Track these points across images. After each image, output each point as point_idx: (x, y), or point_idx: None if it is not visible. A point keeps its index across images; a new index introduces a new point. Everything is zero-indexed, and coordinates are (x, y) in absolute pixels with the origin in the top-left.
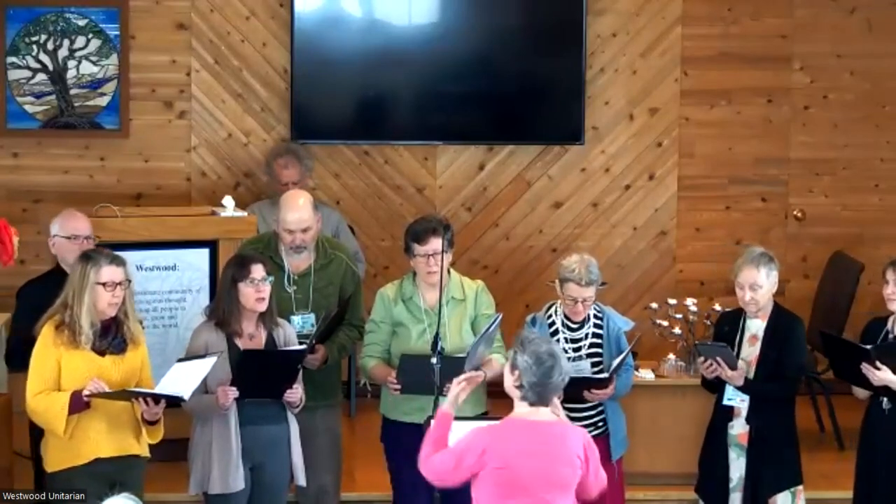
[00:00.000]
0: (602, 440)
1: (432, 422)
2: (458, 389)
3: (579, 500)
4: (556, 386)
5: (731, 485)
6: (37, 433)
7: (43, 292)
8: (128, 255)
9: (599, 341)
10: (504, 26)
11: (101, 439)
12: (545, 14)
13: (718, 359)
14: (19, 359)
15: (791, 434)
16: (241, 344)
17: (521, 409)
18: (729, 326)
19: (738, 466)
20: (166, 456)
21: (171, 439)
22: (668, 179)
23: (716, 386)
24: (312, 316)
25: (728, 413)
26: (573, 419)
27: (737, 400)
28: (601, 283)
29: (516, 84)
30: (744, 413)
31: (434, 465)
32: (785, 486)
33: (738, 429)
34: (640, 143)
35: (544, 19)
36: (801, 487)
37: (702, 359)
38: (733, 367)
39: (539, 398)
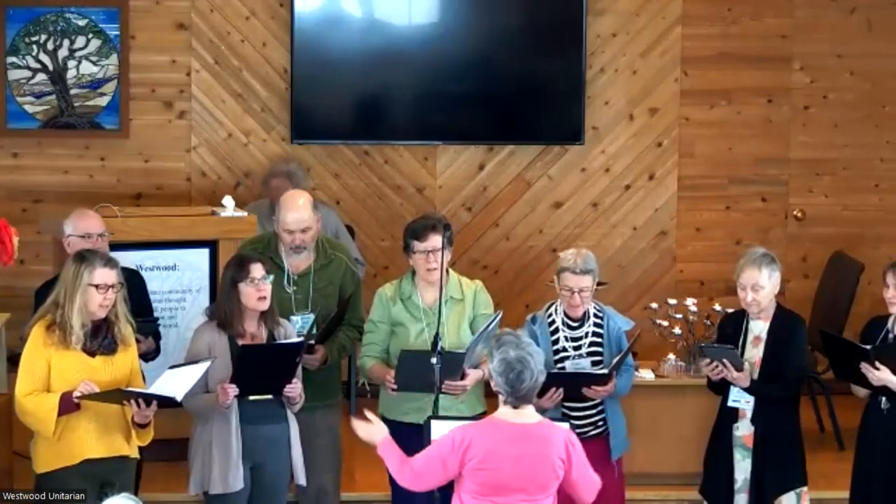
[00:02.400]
0: (602, 440)
1: (387, 451)
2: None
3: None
4: (530, 388)
5: (737, 486)
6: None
7: None
8: (128, 255)
9: (600, 340)
10: (504, 26)
11: (91, 440)
12: (545, 14)
13: (725, 360)
14: None
15: (796, 435)
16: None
17: (503, 409)
18: (732, 328)
19: (743, 468)
20: (166, 456)
21: (171, 439)
22: (668, 179)
23: (721, 388)
24: (312, 316)
25: (733, 414)
26: (573, 418)
27: (742, 401)
28: (600, 283)
29: (516, 84)
30: (749, 414)
31: (416, 470)
32: (790, 486)
33: (743, 430)
34: (640, 143)
35: (544, 19)
36: (805, 488)
37: (706, 361)
38: (739, 369)
39: (518, 400)
